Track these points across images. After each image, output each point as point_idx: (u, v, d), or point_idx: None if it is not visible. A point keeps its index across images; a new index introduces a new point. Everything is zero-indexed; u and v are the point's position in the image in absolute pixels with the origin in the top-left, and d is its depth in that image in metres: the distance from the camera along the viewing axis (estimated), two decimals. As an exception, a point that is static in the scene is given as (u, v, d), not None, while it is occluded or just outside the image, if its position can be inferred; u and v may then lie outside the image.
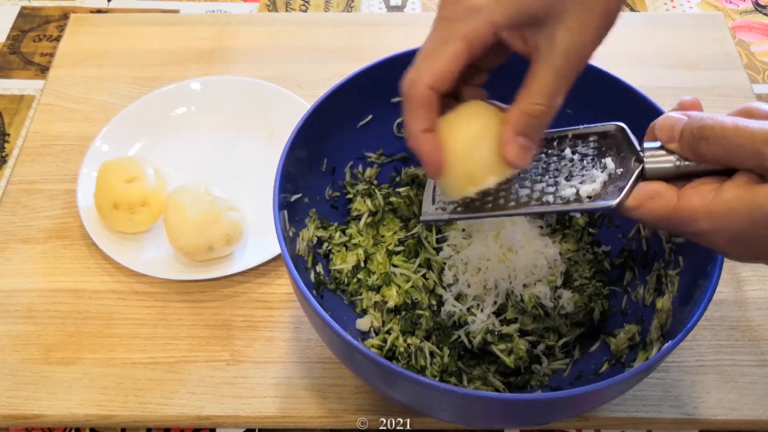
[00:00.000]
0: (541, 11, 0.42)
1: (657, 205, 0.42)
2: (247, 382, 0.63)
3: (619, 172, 0.45)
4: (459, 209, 0.51)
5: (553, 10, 0.42)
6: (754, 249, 0.41)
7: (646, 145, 0.44)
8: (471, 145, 0.46)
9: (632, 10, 1.01)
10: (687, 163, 0.42)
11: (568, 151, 0.49)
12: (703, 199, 0.40)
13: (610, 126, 0.48)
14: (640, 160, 0.44)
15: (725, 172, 0.41)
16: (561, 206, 0.46)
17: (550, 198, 0.47)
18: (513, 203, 0.48)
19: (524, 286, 0.60)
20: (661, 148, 0.43)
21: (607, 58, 0.72)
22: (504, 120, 0.45)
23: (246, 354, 0.65)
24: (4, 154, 0.83)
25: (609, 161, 0.46)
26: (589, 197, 0.45)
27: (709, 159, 0.41)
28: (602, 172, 0.46)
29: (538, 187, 0.48)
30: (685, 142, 0.42)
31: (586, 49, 0.44)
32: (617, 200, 0.43)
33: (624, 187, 0.43)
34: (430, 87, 0.44)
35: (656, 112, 0.57)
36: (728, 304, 0.68)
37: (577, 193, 0.46)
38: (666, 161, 0.43)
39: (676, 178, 0.43)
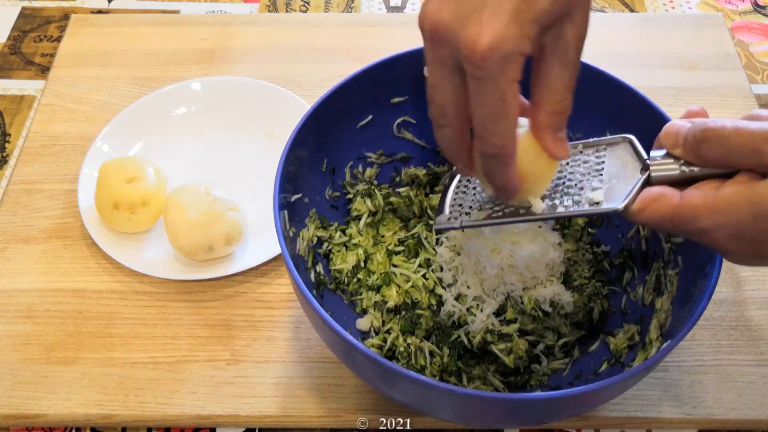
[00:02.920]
0: (558, 13, 0.41)
1: (660, 206, 0.43)
2: (247, 382, 0.63)
3: (627, 181, 0.46)
4: (471, 217, 0.52)
5: (567, 8, 0.41)
6: (756, 245, 0.41)
7: (652, 153, 0.45)
8: (527, 164, 0.47)
9: (632, 10, 1.01)
10: (692, 168, 0.43)
11: (579, 160, 0.50)
12: (705, 196, 0.41)
13: (618, 137, 0.50)
14: (646, 168, 0.45)
15: (728, 177, 0.41)
16: (569, 212, 0.48)
17: (559, 205, 0.48)
18: (523, 210, 0.49)
19: (524, 289, 0.60)
20: (667, 155, 0.44)
21: (606, 58, 0.72)
22: (537, 125, 0.46)
23: (246, 353, 0.65)
24: (4, 154, 0.83)
25: (617, 170, 0.47)
26: (597, 203, 0.47)
27: (712, 161, 0.42)
28: (610, 180, 0.47)
29: (548, 195, 0.50)
30: (688, 145, 0.42)
31: (585, 37, 0.44)
32: (623, 204, 0.44)
33: (630, 192, 0.44)
34: None
35: (655, 113, 0.57)
36: (727, 304, 0.68)
37: (585, 201, 0.47)
38: (671, 168, 0.44)
39: (682, 183, 0.43)
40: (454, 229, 0.53)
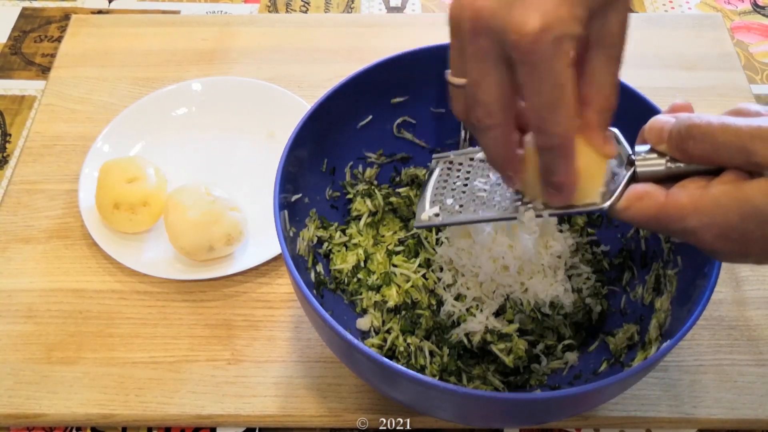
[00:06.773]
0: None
1: (645, 205, 0.42)
2: (247, 382, 0.63)
3: (613, 176, 0.45)
4: (453, 214, 0.52)
5: None
6: (745, 245, 0.40)
7: (637, 148, 0.44)
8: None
9: (631, 10, 1.01)
10: (678, 164, 0.42)
11: None
12: (691, 196, 0.40)
13: None
14: (631, 164, 0.44)
15: (715, 173, 0.41)
16: (553, 210, 0.47)
17: (543, 203, 0.48)
18: (506, 208, 0.49)
19: (523, 291, 0.60)
20: (652, 150, 0.43)
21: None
22: (586, 124, 0.43)
23: (246, 353, 0.65)
24: (5, 154, 0.83)
25: None
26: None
27: (698, 158, 0.41)
28: None
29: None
30: (673, 142, 0.42)
31: (628, 28, 0.42)
32: (608, 203, 0.44)
33: (615, 190, 0.44)
34: None
35: (655, 113, 0.57)
36: (727, 304, 0.68)
37: None
38: (657, 164, 0.43)
39: (668, 179, 0.43)
40: (435, 226, 0.53)
